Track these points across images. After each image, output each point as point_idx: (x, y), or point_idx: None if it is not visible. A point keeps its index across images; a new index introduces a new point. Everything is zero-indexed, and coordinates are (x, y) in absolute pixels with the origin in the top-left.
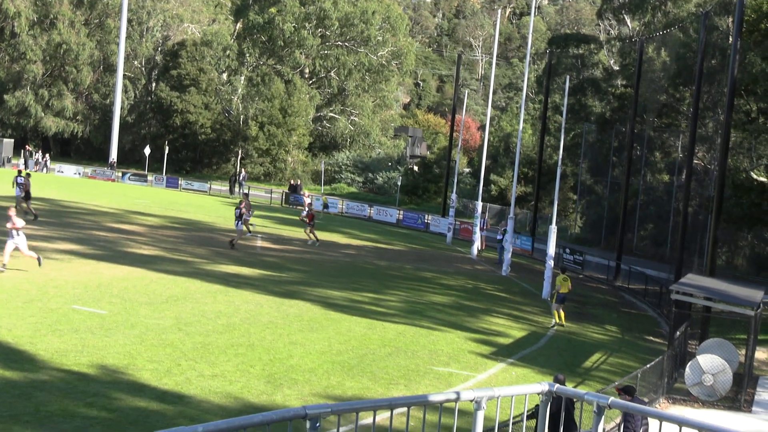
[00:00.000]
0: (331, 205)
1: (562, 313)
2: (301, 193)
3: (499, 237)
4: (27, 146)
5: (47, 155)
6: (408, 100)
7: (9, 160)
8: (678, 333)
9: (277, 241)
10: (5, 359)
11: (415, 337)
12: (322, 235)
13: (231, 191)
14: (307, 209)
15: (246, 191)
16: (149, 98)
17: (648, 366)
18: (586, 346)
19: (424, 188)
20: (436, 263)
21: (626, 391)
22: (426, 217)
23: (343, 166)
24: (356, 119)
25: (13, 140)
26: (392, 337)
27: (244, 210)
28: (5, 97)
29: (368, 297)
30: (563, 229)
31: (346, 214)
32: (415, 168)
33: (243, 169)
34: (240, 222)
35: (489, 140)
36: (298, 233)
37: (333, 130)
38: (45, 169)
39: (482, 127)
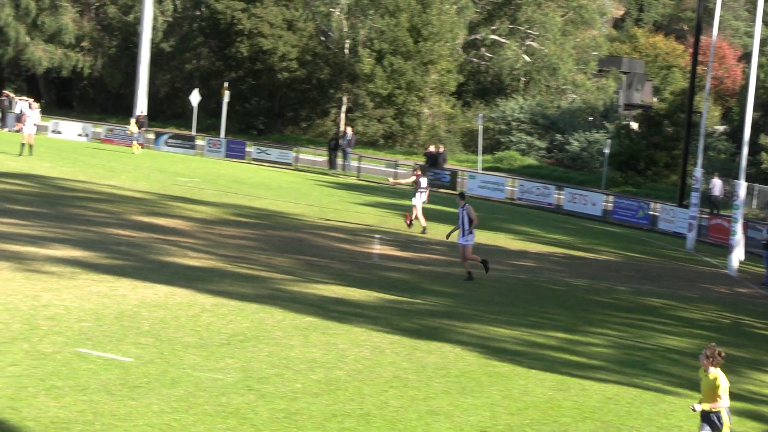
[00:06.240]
0: (494, 186)
1: None
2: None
3: (765, 236)
4: (4, 91)
5: (36, 105)
6: (621, 12)
7: None
8: None
9: (405, 245)
10: None
11: (634, 404)
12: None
13: (331, 164)
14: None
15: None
16: (197, 12)
17: None
18: None
19: (648, 159)
20: (668, 283)
21: None
22: (652, 207)
23: (514, 124)
24: (535, 45)
25: None
26: (597, 404)
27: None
28: None
29: (556, 338)
30: None
31: (520, 202)
32: (634, 126)
33: (349, 128)
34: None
35: (759, 78)
36: (440, 233)
37: (497, 64)
38: (32, 126)
39: (746, 57)
